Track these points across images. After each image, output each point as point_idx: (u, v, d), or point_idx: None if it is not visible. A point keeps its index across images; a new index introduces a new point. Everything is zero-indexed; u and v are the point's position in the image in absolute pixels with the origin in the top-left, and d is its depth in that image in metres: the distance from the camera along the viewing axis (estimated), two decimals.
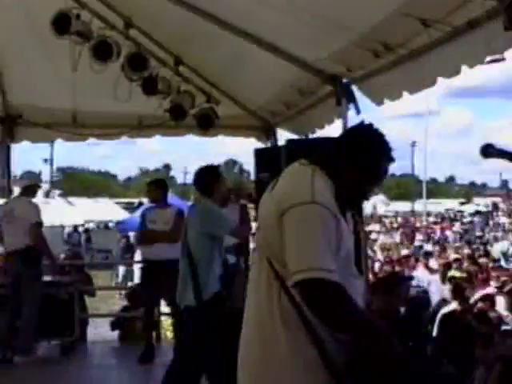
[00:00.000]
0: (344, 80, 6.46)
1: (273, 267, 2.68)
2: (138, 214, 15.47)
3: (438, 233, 32.18)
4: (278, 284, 2.65)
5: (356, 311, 2.61)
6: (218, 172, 6.25)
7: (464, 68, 4.48)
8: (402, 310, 6.77)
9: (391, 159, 2.86)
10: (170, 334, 9.48)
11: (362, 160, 2.78)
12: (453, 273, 10.83)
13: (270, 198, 2.78)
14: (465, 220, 42.37)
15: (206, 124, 8.32)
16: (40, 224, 8.00)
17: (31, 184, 8.44)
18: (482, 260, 14.33)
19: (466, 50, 4.39)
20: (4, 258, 8.74)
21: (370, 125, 2.87)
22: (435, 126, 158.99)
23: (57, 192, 37.96)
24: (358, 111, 6.48)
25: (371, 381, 2.58)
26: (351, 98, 6.44)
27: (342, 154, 2.81)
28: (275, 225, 2.64)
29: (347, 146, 2.82)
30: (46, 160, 54.47)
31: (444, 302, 8.87)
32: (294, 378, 2.64)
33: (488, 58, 4.31)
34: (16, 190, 8.83)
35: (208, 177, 6.06)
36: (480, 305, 8.08)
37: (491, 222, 40.49)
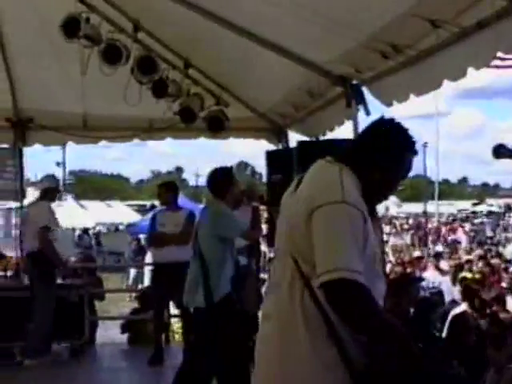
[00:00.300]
0: (354, 81, 6.45)
1: (298, 266, 2.66)
2: (149, 216, 15.50)
3: (448, 234, 32.07)
4: (302, 283, 2.64)
5: (379, 314, 2.61)
6: (232, 174, 6.27)
7: (470, 70, 4.46)
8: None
9: (415, 152, 2.87)
10: (179, 336, 9.49)
11: (388, 155, 2.78)
12: (464, 274, 10.80)
13: (296, 197, 2.76)
14: (476, 221, 42.21)
15: (217, 126, 8.33)
16: (47, 228, 8.00)
17: (50, 187, 8.46)
18: (494, 261, 14.31)
19: (474, 52, 4.36)
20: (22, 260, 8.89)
21: (392, 119, 2.87)
22: (445, 127, 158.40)
23: (69, 196, 38.10)
24: (368, 113, 6.47)
25: (390, 382, 2.58)
26: (361, 100, 6.43)
27: (367, 149, 2.80)
28: (303, 223, 2.63)
29: (372, 142, 2.82)
30: (58, 163, 54.65)
31: (454, 303, 8.84)
32: (314, 378, 2.63)
33: (495, 63, 4.28)
34: (35, 194, 8.88)
35: (221, 179, 6.07)
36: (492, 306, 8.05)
37: (502, 223, 40.32)
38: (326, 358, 2.60)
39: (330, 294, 2.54)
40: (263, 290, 11.03)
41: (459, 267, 12.63)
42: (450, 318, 7.91)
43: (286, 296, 2.69)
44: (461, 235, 31.19)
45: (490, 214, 46.73)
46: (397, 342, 2.55)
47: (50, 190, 8.37)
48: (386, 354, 2.56)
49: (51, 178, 8.98)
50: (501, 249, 22.89)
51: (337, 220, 2.57)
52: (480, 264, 13.51)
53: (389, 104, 5.83)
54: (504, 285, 10.57)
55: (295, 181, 2.87)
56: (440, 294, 10.82)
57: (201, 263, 5.79)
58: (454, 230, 33.62)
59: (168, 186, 8.48)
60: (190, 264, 6.06)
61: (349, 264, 2.52)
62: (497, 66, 4.44)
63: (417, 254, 17.12)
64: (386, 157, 2.79)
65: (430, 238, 28.36)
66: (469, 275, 10.90)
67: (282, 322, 2.69)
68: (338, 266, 2.51)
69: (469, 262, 13.65)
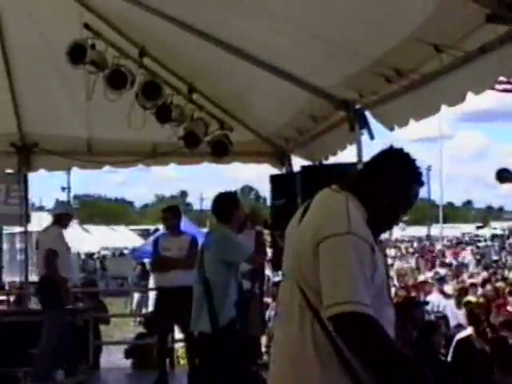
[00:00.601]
0: (357, 106, 6.47)
1: (305, 296, 2.64)
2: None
3: (452, 257, 31.93)
4: (311, 314, 2.61)
5: (391, 346, 2.56)
6: (237, 199, 6.29)
7: (469, 94, 4.48)
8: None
9: (422, 183, 2.86)
10: (184, 361, 9.45)
11: (396, 185, 2.77)
12: (469, 298, 10.74)
13: (301, 227, 2.74)
14: (480, 244, 42.10)
15: (221, 151, 8.34)
16: (53, 251, 7.98)
17: (61, 213, 8.51)
18: (500, 284, 14.25)
19: (476, 76, 4.39)
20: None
21: (401, 149, 2.85)
22: (449, 149, 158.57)
23: (74, 221, 38.16)
24: (372, 137, 6.49)
25: None
26: (364, 124, 6.45)
27: (374, 178, 2.79)
28: (310, 254, 2.60)
29: (381, 171, 2.80)
30: (63, 188, 54.83)
31: (460, 327, 8.79)
32: None
33: (499, 87, 4.31)
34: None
35: (226, 203, 6.08)
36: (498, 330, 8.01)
37: (506, 246, 40.21)
38: None
39: (339, 327, 2.50)
40: (267, 314, 11.02)
41: (464, 291, 12.58)
42: (455, 342, 7.88)
43: (297, 326, 2.65)
44: (468, 257, 30.96)
45: (494, 237, 46.68)
46: (411, 374, 2.50)
47: (62, 216, 8.40)
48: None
49: (64, 204, 9.09)
50: (506, 272, 22.74)
51: (343, 252, 2.54)
52: (488, 287, 13.44)
53: (391, 128, 5.86)
54: (510, 308, 10.50)
55: (301, 209, 2.84)
56: (445, 318, 10.77)
57: (205, 288, 5.78)
58: (458, 254, 33.47)
59: (175, 211, 8.50)
60: (193, 289, 6.05)
61: (356, 297, 2.49)
62: (501, 90, 4.46)
63: (421, 278, 17.03)
64: (393, 187, 2.77)
65: (436, 262, 28.21)
66: (474, 299, 10.85)
67: (293, 352, 2.66)
68: (345, 299, 2.48)
69: (473, 285, 13.59)
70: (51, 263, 7.94)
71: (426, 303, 9.14)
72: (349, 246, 2.55)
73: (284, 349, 2.74)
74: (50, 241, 8.08)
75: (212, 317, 5.66)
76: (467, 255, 32.02)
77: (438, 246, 40.46)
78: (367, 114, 6.35)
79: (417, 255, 32.53)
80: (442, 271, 19.83)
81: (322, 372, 2.58)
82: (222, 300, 5.71)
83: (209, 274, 5.80)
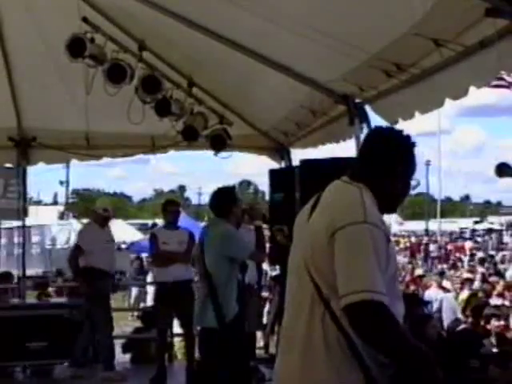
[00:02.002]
0: (356, 100, 6.47)
1: (318, 289, 2.62)
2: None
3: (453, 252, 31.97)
4: (323, 306, 2.60)
5: (404, 335, 2.56)
6: (235, 194, 6.26)
7: (471, 89, 4.49)
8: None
9: (414, 144, 2.87)
10: (181, 355, 9.44)
11: (401, 159, 2.81)
12: (467, 292, 10.76)
13: (314, 219, 2.73)
14: (479, 239, 42.16)
15: (219, 145, 8.34)
16: (75, 245, 8.40)
17: (95, 211, 8.61)
18: (494, 279, 14.30)
19: (476, 71, 4.39)
20: None
21: (388, 128, 2.95)
22: (448, 144, 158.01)
23: (71, 214, 38.11)
24: None
25: None
26: (364, 118, 6.45)
27: (378, 162, 2.79)
28: (325, 245, 2.60)
29: (379, 153, 2.81)
30: (61, 182, 54.71)
31: (457, 321, 8.81)
32: None
33: (494, 82, 4.31)
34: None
35: (225, 199, 6.06)
36: (496, 324, 8.02)
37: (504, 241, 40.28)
38: (350, 382, 2.56)
39: (355, 315, 2.49)
40: (266, 309, 11.03)
41: (462, 285, 12.61)
42: (452, 336, 7.89)
43: (305, 317, 2.64)
44: (462, 253, 30.95)
45: (490, 231, 46.73)
46: (423, 365, 2.50)
47: (97, 214, 8.53)
48: (413, 378, 2.51)
49: (102, 202, 9.14)
50: (502, 266, 22.73)
51: (360, 241, 2.54)
52: (485, 282, 13.47)
53: (394, 122, 5.84)
54: (507, 303, 10.53)
55: (310, 203, 2.83)
56: (439, 311, 10.80)
57: (208, 284, 5.75)
58: (458, 248, 33.50)
59: (177, 205, 8.53)
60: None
61: (373, 285, 2.48)
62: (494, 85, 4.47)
63: (418, 272, 17.06)
64: (400, 166, 2.80)
65: (434, 256, 28.33)
66: (472, 293, 10.87)
67: (300, 342, 2.65)
68: (362, 287, 2.48)
69: (469, 280, 13.61)
70: (69, 256, 8.32)
71: (428, 302, 9.11)
72: (365, 234, 2.55)
73: (292, 342, 2.71)
74: (78, 235, 8.63)
75: (218, 312, 5.62)
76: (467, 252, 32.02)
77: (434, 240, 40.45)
78: (367, 108, 6.36)
79: (415, 249, 32.61)
80: (442, 266, 19.89)
81: (329, 364, 2.57)
82: (227, 295, 5.69)
83: (211, 269, 5.76)
